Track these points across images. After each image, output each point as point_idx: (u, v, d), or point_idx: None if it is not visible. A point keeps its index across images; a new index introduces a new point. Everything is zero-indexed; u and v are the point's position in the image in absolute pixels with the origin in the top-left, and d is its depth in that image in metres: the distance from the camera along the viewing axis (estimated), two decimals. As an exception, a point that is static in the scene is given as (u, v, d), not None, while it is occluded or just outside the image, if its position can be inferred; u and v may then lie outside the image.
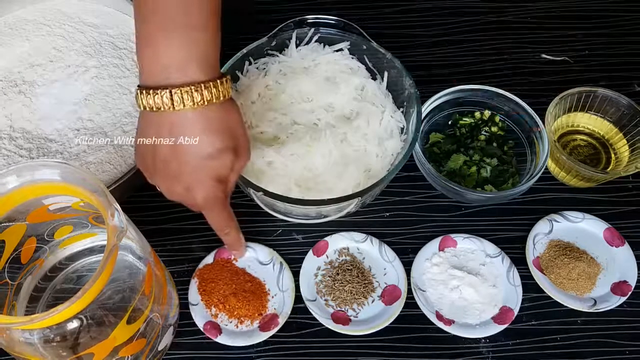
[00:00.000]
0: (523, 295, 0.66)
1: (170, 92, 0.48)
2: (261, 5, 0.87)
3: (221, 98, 0.50)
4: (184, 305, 0.65)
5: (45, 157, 0.69)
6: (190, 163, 0.51)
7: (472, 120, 0.77)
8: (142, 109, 0.51)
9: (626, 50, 0.85)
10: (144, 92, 0.49)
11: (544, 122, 0.72)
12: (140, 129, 0.53)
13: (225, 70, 0.68)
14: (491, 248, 0.69)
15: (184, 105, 0.48)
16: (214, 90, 0.49)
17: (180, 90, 0.48)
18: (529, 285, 0.67)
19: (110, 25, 0.80)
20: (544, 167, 0.69)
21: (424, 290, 0.67)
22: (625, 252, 0.69)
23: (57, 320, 0.44)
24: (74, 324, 0.46)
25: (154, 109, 0.49)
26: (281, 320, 0.64)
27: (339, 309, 0.66)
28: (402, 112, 0.70)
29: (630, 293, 0.66)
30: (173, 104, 0.48)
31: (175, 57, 0.49)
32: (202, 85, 0.49)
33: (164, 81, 0.49)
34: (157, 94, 0.48)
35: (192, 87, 0.48)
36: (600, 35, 0.86)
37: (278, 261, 0.68)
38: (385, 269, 0.68)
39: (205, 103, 0.49)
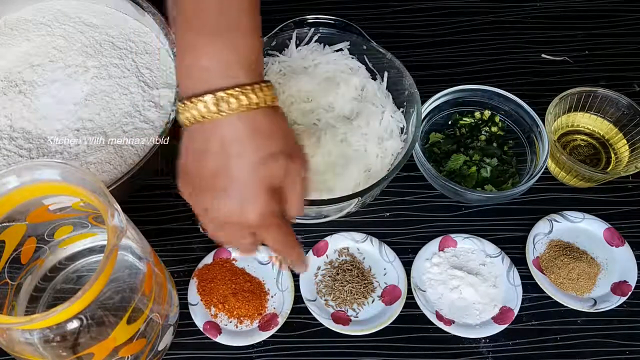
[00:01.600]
0: (523, 295, 0.66)
1: (215, 95, 0.46)
2: (261, 6, 0.87)
3: (268, 102, 0.47)
4: (184, 305, 0.65)
5: (45, 157, 0.69)
6: (241, 173, 0.47)
7: (472, 120, 0.77)
8: (186, 123, 0.48)
9: (626, 50, 0.85)
10: (186, 103, 0.47)
11: (544, 122, 0.72)
12: (184, 148, 0.50)
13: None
14: (491, 248, 0.69)
15: (230, 110, 0.46)
16: (260, 93, 0.47)
17: (226, 93, 0.46)
18: (529, 285, 0.67)
19: (110, 25, 0.80)
20: (544, 167, 0.69)
21: (424, 290, 0.67)
22: (625, 252, 0.69)
23: (57, 321, 0.44)
24: (74, 324, 0.46)
25: (198, 118, 0.47)
26: (281, 320, 0.64)
27: (339, 309, 0.66)
28: (402, 112, 0.70)
29: (630, 293, 0.66)
30: (219, 109, 0.46)
31: (218, 62, 0.47)
32: (249, 87, 0.46)
33: (206, 87, 0.46)
34: (201, 100, 0.46)
35: (239, 90, 0.46)
36: (600, 35, 0.86)
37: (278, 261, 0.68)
38: (385, 269, 0.68)
39: (252, 107, 0.46)
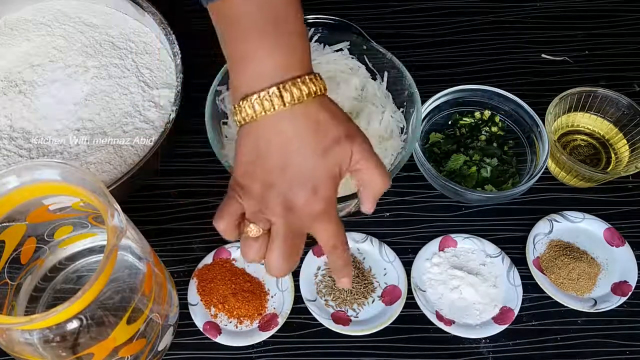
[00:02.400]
0: (523, 296, 0.66)
1: (270, 91, 0.46)
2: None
3: (322, 91, 0.48)
4: (184, 305, 0.65)
5: (45, 157, 0.69)
6: (309, 162, 0.47)
7: (472, 120, 0.77)
8: (242, 123, 0.48)
9: (626, 50, 0.85)
10: (241, 103, 0.47)
11: (544, 122, 0.72)
12: (242, 148, 0.49)
13: (225, 70, 0.68)
14: (491, 248, 0.69)
15: (288, 103, 0.46)
16: (313, 83, 0.47)
17: (281, 88, 0.46)
18: (529, 285, 0.67)
19: (110, 25, 0.80)
20: (544, 167, 0.69)
21: (424, 291, 0.67)
22: (625, 252, 0.69)
23: (56, 321, 0.44)
24: (74, 324, 0.46)
25: (256, 116, 0.47)
26: (281, 320, 0.64)
27: (339, 309, 0.66)
28: (402, 112, 0.70)
29: (630, 293, 0.66)
30: (275, 104, 0.46)
31: (271, 58, 0.47)
32: (302, 78, 0.47)
33: (261, 83, 0.47)
34: (257, 97, 0.46)
35: (293, 82, 0.46)
36: (600, 35, 0.86)
37: (278, 261, 0.68)
38: (385, 269, 0.68)
39: (308, 97, 0.47)
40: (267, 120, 0.47)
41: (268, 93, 0.46)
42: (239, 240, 0.51)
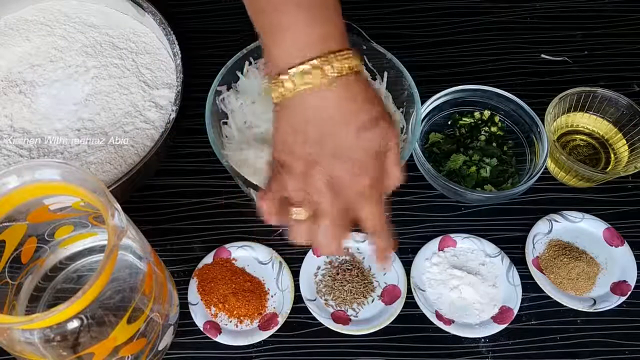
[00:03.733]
0: (522, 295, 0.66)
1: (310, 64, 0.46)
2: (261, 5, 0.87)
3: (358, 68, 0.48)
4: (184, 305, 0.65)
5: (45, 157, 0.69)
6: (348, 138, 0.47)
7: (472, 120, 0.77)
8: (279, 99, 0.47)
9: (626, 51, 0.85)
10: (279, 78, 0.47)
11: (543, 122, 0.72)
12: (281, 123, 0.49)
13: (226, 70, 0.68)
14: (491, 248, 0.69)
15: (326, 77, 0.46)
16: (350, 59, 0.47)
17: (320, 61, 0.46)
18: (528, 285, 0.67)
19: (110, 25, 0.80)
20: (544, 167, 0.69)
21: (423, 290, 0.67)
22: (624, 252, 0.69)
23: (57, 320, 0.44)
24: (75, 324, 0.46)
25: (296, 90, 0.46)
26: (281, 320, 0.64)
27: (338, 308, 0.66)
28: (402, 112, 0.70)
29: (629, 293, 0.66)
30: (314, 78, 0.46)
31: (309, 32, 0.47)
32: (340, 53, 0.46)
33: (300, 57, 0.46)
34: (296, 71, 0.46)
35: (332, 56, 0.46)
36: (600, 35, 0.86)
37: (277, 260, 0.68)
38: (385, 268, 0.68)
39: (345, 73, 0.46)
40: (306, 94, 0.47)
41: (310, 65, 0.46)
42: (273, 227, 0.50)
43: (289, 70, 0.46)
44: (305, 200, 0.48)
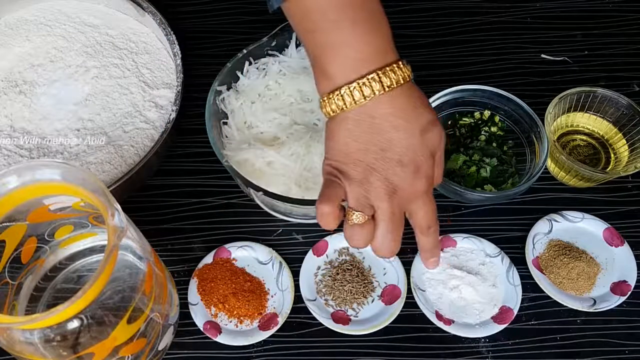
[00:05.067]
0: (522, 295, 0.66)
1: (378, 73, 0.48)
2: (261, 6, 0.87)
3: (411, 76, 0.50)
4: (184, 305, 0.65)
5: (45, 157, 0.69)
6: (410, 141, 0.49)
7: (472, 120, 0.77)
8: (338, 110, 0.49)
9: (626, 51, 0.85)
10: (342, 88, 0.48)
11: (543, 122, 0.72)
12: (338, 134, 0.50)
13: (226, 70, 0.68)
14: (491, 248, 0.69)
15: (385, 88, 0.48)
16: (404, 68, 0.49)
17: (378, 74, 0.48)
18: (528, 285, 0.67)
19: (110, 25, 0.80)
20: (544, 167, 0.69)
21: (423, 290, 0.67)
22: (624, 252, 0.69)
23: (57, 320, 0.44)
24: (75, 324, 0.46)
25: (356, 103, 0.48)
26: (281, 320, 0.64)
27: (338, 308, 0.66)
28: (402, 112, 0.70)
29: (629, 293, 0.66)
30: (383, 85, 0.48)
31: (365, 47, 0.49)
32: (395, 64, 0.49)
33: (357, 72, 0.48)
34: (357, 85, 0.48)
35: (388, 68, 0.48)
36: (600, 35, 0.86)
37: (277, 260, 0.68)
38: (384, 268, 0.68)
39: (401, 82, 0.49)
40: (366, 106, 0.49)
41: (368, 79, 0.48)
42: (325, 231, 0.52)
43: (348, 86, 0.48)
44: (364, 206, 0.50)
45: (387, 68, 0.48)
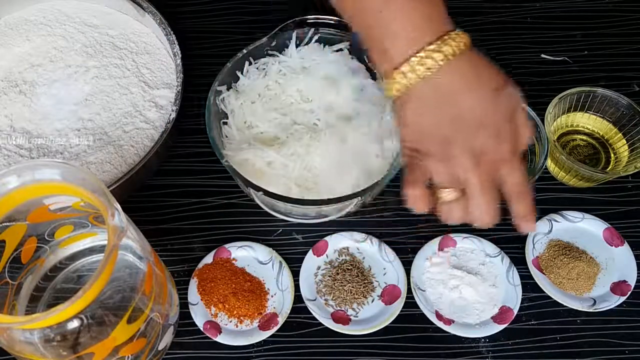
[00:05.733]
0: (522, 295, 0.66)
1: (437, 43, 0.47)
2: (261, 6, 0.87)
3: (470, 44, 0.49)
4: (184, 305, 0.65)
5: (45, 157, 0.69)
6: (486, 105, 0.48)
7: (472, 120, 0.77)
8: (404, 88, 0.48)
9: (626, 51, 0.85)
10: (403, 65, 0.48)
11: (543, 122, 0.72)
12: (407, 113, 0.50)
13: (226, 70, 0.68)
14: (491, 248, 0.69)
15: (449, 56, 0.47)
16: (463, 34, 0.49)
17: (439, 44, 0.47)
18: (528, 285, 0.67)
19: (110, 25, 0.80)
20: (544, 167, 0.69)
21: (423, 290, 0.67)
22: (624, 252, 0.69)
23: (57, 320, 0.44)
24: (75, 324, 0.46)
25: (422, 75, 0.47)
26: (281, 320, 0.64)
27: (338, 308, 0.66)
28: (402, 112, 0.70)
29: (629, 293, 0.66)
30: (444, 54, 0.47)
31: (423, 21, 0.48)
32: (454, 32, 0.48)
33: (420, 44, 0.47)
34: (420, 58, 0.47)
35: (448, 37, 0.47)
36: (600, 35, 0.86)
37: (277, 260, 0.68)
38: (385, 268, 0.68)
39: (467, 46, 0.48)
40: (431, 79, 0.48)
41: (428, 51, 0.47)
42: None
43: (410, 61, 0.47)
44: (451, 180, 0.49)
45: (445, 37, 0.47)
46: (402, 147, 0.51)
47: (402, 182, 0.53)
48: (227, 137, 0.69)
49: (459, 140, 0.48)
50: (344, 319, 0.65)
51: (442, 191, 0.50)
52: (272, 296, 0.66)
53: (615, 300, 0.66)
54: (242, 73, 0.71)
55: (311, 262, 0.68)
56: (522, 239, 0.70)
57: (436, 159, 0.49)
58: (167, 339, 0.60)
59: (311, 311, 0.65)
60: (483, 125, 0.48)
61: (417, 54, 0.47)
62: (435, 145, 0.49)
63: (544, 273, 0.68)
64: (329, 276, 0.67)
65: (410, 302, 0.66)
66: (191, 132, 0.76)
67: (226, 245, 0.69)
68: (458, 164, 0.49)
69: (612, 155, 0.76)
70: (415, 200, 0.51)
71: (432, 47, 0.47)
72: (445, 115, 0.48)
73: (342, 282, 0.67)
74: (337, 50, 0.73)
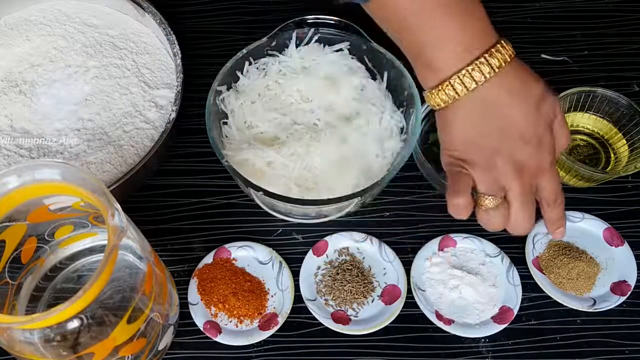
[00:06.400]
0: (522, 295, 0.66)
1: (485, 57, 0.48)
2: (261, 6, 0.87)
3: (514, 53, 0.51)
4: (184, 305, 0.65)
5: (45, 157, 0.69)
6: (528, 117, 0.50)
7: (472, 120, 0.77)
8: (450, 100, 0.50)
9: (626, 50, 0.85)
10: (451, 78, 0.49)
11: (543, 122, 0.72)
12: (454, 124, 0.52)
13: (226, 70, 0.68)
14: (491, 248, 0.69)
15: (495, 69, 0.49)
16: (508, 45, 0.50)
17: (485, 58, 0.49)
18: (528, 285, 0.67)
19: (110, 25, 0.80)
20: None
21: (423, 290, 0.67)
22: (624, 252, 0.69)
23: (57, 320, 0.44)
24: (75, 324, 0.46)
25: (469, 88, 0.49)
26: (281, 320, 0.64)
27: (338, 308, 0.66)
28: (402, 112, 0.70)
29: (629, 293, 0.66)
30: (491, 67, 0.48)
31: (470, 36, 0.49)
32: (499, 45, 0.50)
33: (468, 58, 0.49)
34: (467, 73, 0.49)
35: (493, 50, 0.49)
36: (600, 35, 0.86)
37: (277, 260, 0.68)
38: (385, 268, 0.68)
39: (512, 57, 0.50)
40: (476, 91, 0.49)
41: (476, 64, 0.49)
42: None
43: (458, 74, 0.49)
44: (494, 189, 0.51)
45: (492, 49, 0.49)
46: (446, 156, 0.54)
47: (446, 191, 0.55)
48: (227, 137, 0.69)
49: (504, 150, 0.50)
50: (344, 319, 0.65)
51: (484, 199, 0.52)
52: (272, 296, 0.67)
53: (615, 300, 0.66)
54: (242, 73, 0.71)
55: (311, 262, 0.68)
56: (522, 239, 0.70)
57: (481, 168, 0.51)
58: (167, 339, 0.60)
59: (311, 311, 0.65)
60: (527, 137, 0.50)
61: (465, 68, 0.49)
62: (481, 155, 0.51)
63: (544, 273, 0.68)
64: (329, 276, 0.67)
65: (410, 302, 0.66)
66: (191, 132, 0.76)
67: (226, 245, 0.69)
68: (502, 173, 0.51)
69: (612, 155, 0.76)
70: (460, 210, 0.52)
71: (480, 60, 0.49)
72: (491, 127, 0.50)
73: (342, 282, 0.67)
74: (337, 50, 0.73)
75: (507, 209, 0.53)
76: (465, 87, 0.49)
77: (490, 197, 0.52)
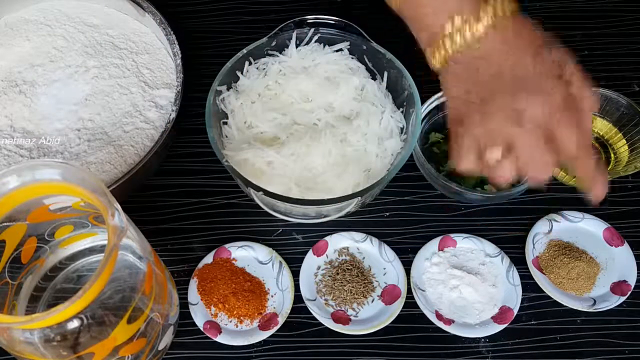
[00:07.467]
0: (522, 295, 0.66)
1: (477, 9, 0.49)
2: (261, 6, 0.87)
3: (515, 9, 0.51)
4: (184, 304, 0.65)
5: (45, 157, 0.69)
6: (528, 67, 0.49)
7: (472, 120, 0.77)
8: (447, 52, 0.51)
9: (626, 51, 0.85)
10: (445, 30, 0.50)
11: (543, 122, 0.72)
12: (451, 82, 0.52)
13: (226, 70, 0.68)
14: (491, 248, 0.69)
15: (494, 15, 0.49)
16: (507, 1, 0.50)
17: (482, 7, 0.49)
18: (528, 284, 0.67)
19: (110, 25, 0.80)
20: (544, 167, 0.69)
21: (423, 290, 0.67)
22: (624, 251, 0.69)
23: (57, 320, 0.44)
24: (75, 324, 0.46)
25: (463, 39, 0.49)
26: (281, 320, 0.64)
27: (338, 308, 0.66)
28: (402, 112, 0.70)
29: (629, 293, 0.66)
30: (486, 18, 0.49)
31: None
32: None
33: (459, 12, 0.50)
34: (466, 19, 0.49)
35: (492, 1, 0.49)
36: (600, 35, 0.86)
37: (277, 260, 0.68)
38: (385, 268, 0.68)
39: (513, 12, 0.50)
40: (469, 44, 0.50)
41: (468, 16, 0.49)
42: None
43: (451, 27, 0.49)
44: (494, 138, 0.50)
45: (484, 5, 0.49)
46: (448, 116, 0.53)
47: (450, 156, 0.54)
48: (227, 137, 0.69)
49: (499, 98, 0.49)
50: (344, 319, 0.65)
51: (489, 151, 0.50)
52: (272, 296, 0.67)
53: (615, 300, 0.66)
54: (242, 73, 0.71)
55: (311, 262, 0.68)
56: (522, 239, 0.70)
57: (477, 122, 0.50)
58: (167, 339, 0.60)
59: (311, 311, 0.65)
60: (523, 83, 0.49)
61: (459, 19, 0.49)
62: (475, 107, 0.50)
63: (544, 273, 0.68)
64: (329, 276, 0.67)
65: (410, 302, 0.66)
66: (191, 132, 0.76)
67: (226, 245, 0.69)
68: (499, 121, 0.49)
69: (612, 155, 0.76)
70: (471, 164, 0.52)
71: (467, 15, 0.49)
72: (484, 76, 0.50)
73: (342, 282, 0.67)
74: (337, 50, 0.73)
75: (514, 157, 0.50)
76: (462, 38, 0.50)
77: (492, 148, 0.50)
